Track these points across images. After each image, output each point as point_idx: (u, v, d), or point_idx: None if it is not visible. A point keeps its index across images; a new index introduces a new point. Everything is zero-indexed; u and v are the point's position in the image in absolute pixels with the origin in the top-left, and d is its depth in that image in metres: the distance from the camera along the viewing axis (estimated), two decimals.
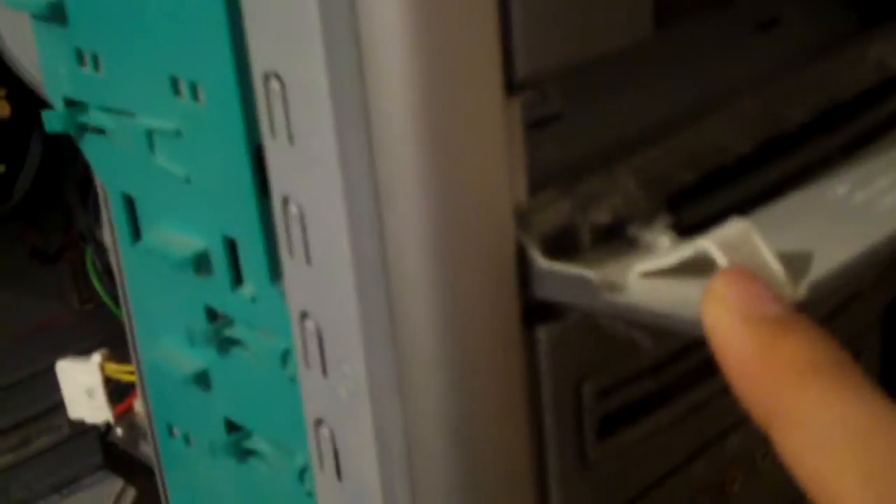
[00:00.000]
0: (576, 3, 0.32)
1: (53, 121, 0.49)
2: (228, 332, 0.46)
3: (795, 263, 0.32)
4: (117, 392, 0.64)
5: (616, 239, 0.37)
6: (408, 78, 0.32)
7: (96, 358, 0.62)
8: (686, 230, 0.36)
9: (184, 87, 0.43)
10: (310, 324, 0.40)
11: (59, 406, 0.76)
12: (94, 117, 0.48)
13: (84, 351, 0.90)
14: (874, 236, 0.34)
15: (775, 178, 0.39)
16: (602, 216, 0.36)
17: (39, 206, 0.86)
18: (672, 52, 0.41)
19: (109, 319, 0.90)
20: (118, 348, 0.88)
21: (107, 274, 0.61)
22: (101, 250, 0.63)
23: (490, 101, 0.32)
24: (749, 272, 0.30)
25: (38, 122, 0.82)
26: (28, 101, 0.82)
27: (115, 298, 0.61)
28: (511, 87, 0.32)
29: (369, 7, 0.32)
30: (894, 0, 0.49)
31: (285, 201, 0.39)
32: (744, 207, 0.38)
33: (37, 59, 0.50)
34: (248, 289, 0.44)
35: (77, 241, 0.88)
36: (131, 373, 0.59)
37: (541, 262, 0.34)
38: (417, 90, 0.32)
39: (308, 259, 0.39)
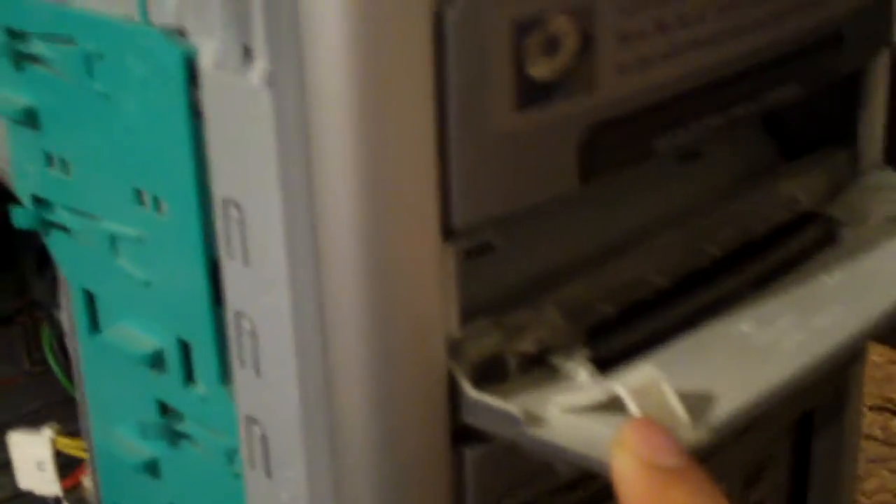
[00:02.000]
0: (507, 161, 0.36)
1: (21, 217, 0.52)
2: (179, 427, 0.49)
3: (698, 406, 0.36)
4: (68, 463, 0.67)
5: (539, 366, 0.40)
6: (354, 221, 0.36)
7: (47, 432, 0.64)
8: (604, 361, 0.40)
9: (147, 199, 0.46)
10: (256, 428, 0.43)
11: (4, 466, 0.78)
12: (60, 216, 0.51)
13: (34, 412, 0.92)
14: (771, 379, 0.38)
15: (688, 312, 0.43)
16: (527, 346, 0.40)
17: None
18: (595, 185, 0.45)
19: (59, 383, 0.93)
20: (67, 411, 0.90)
21: (62, 351, 0.64)
22: (56, 328, 0.65)
23: (428, 246, 0.36)
24: (654, 422, 0.33)
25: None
26: None
27: (69, 376, 0.63)
28: (448, 233, 0.36)
29: (322, 152, 0.36)
30: (813, 134, 0.53)
31: (238, 316, 0.42)
32: (657, 339, 0.42)
33: (7, 156, 0.53)
34: (199, 388, 0.47)
35: (30, 305, 0.91)
36: (82, 449, 0.62)
37: (470, 392, 0.37)
38: (362, 232, 0.36)
39: (258, 371, 0.42)
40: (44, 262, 0.77)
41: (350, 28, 0.33)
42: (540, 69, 0.35)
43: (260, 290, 0.41)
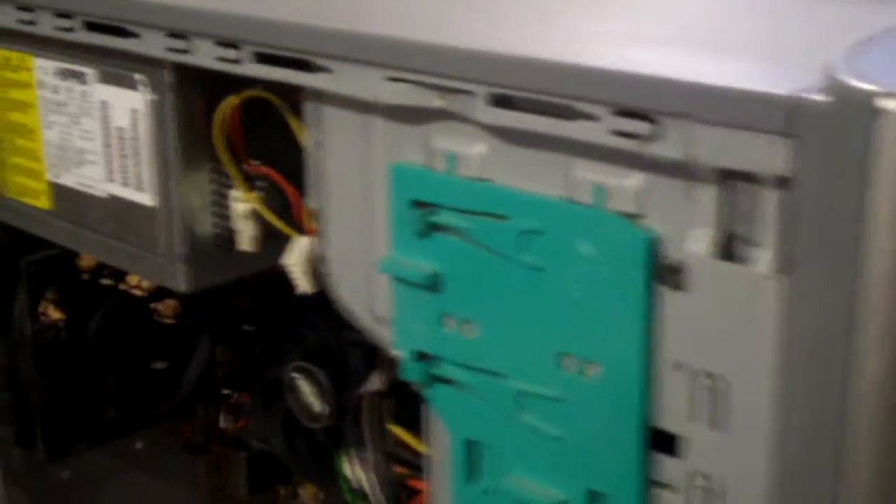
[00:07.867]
0: None
1: (409, 371, 0.56)
2: None
3: None
4: None
5: None
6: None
7: None
8: None
9: (571, 362, 0.50)
10: None
11: None
12: (448, 371, 0.55)
13: None
14: None
15: None
16: None
17: (197, 401, 0.92)
18: None
19: None
20: None
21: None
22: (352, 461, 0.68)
23: None
24: None
25: (207, 324, 0.88)
26: (196, 304, 0.88)
27: None
28: None
29: (863, 335, 0.40)
30: None
31: (693, 474, 0.46)
32: None
33: (374, 310, 0.58)
34: None
35: (220, 436, 0.94)
36: None
37: None
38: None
39: None
40: (271, 397, 0.80)
41: None
42: None
43: (727, 450, 0.45)
